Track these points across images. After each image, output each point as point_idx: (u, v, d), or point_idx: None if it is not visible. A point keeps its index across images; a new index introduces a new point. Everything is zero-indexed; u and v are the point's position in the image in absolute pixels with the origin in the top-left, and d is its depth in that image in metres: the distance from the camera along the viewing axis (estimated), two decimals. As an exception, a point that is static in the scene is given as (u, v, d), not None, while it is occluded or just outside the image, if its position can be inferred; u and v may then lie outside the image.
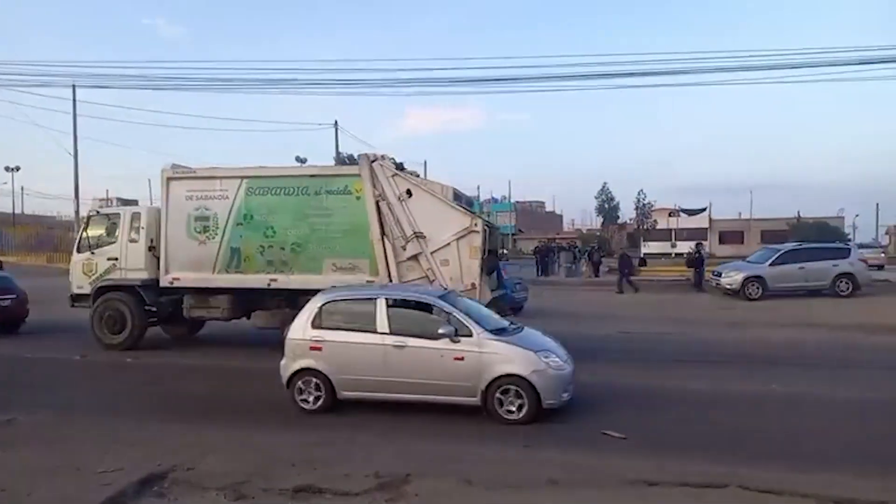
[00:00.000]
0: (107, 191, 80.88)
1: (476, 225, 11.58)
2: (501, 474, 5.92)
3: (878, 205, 66.65)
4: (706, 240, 55.28)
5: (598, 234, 70.59)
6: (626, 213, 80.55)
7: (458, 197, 12.59)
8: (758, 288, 22.24)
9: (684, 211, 66.62)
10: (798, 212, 64.63)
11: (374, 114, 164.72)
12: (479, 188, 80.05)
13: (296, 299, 11.49)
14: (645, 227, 72.23)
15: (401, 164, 12.60)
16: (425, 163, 62.81)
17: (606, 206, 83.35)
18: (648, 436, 7.30)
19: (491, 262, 12.89)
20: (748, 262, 24.58)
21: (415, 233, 11.71)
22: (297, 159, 58.79)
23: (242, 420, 8.01)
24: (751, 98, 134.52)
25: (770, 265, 22.63)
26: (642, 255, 49.77)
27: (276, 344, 12.77)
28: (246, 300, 12.90)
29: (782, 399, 8.94)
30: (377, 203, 11.82)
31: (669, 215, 66.71)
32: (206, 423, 7.86)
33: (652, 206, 74.14)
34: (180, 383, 10.41)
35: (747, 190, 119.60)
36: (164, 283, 12.99)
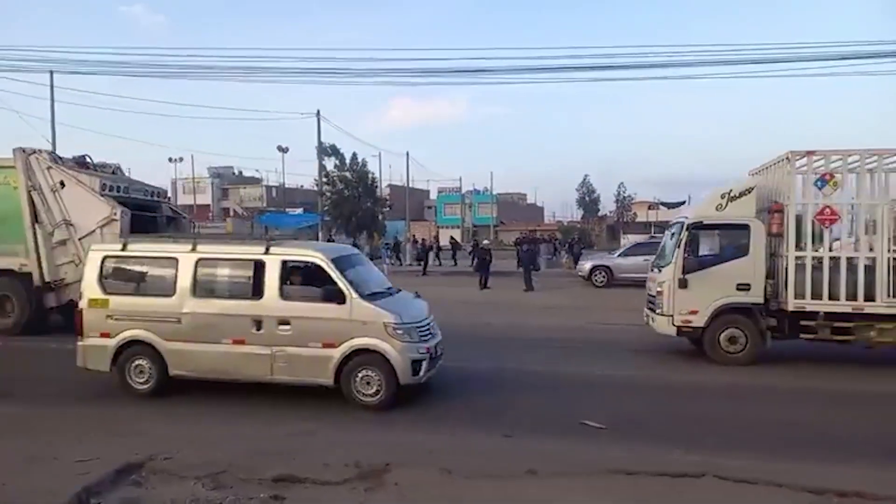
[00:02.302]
0: (84, 178, 79.79)
1: (116, 214, 12.85)
2: (480, 464, 5.95)
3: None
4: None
5: (578, 226, 71.01)
6: (607, 206, 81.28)
7: (113, 188, 13.55)
8: (603, 276, 24.86)
9: (664, 204, 67.16)
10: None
11: (357, 104, 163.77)
12: (461, 180, 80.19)
13: None
14: (625, 219, 72.78)
15: (82, 157, 14.10)
16: (407, 154, 62.97)
17: (587, 198, 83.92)
18: (626, 425, 7.37)
19: None
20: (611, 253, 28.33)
21: (64, 220, 13.04)
22: (279, 149, 58.50)
23: (221, 409, 7.97)
24: (731, 92, 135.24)
25: (619, 256, 25.94)
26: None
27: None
28: None
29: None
30: (30, 193, 13.12)
31: (649, 208, 67.34)
32: (184, 412, 7.82)
33: (632, 198, 74.74)
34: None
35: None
36: None
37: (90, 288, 8.64)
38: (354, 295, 7.98)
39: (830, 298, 10.24)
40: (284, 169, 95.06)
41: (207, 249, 8.55)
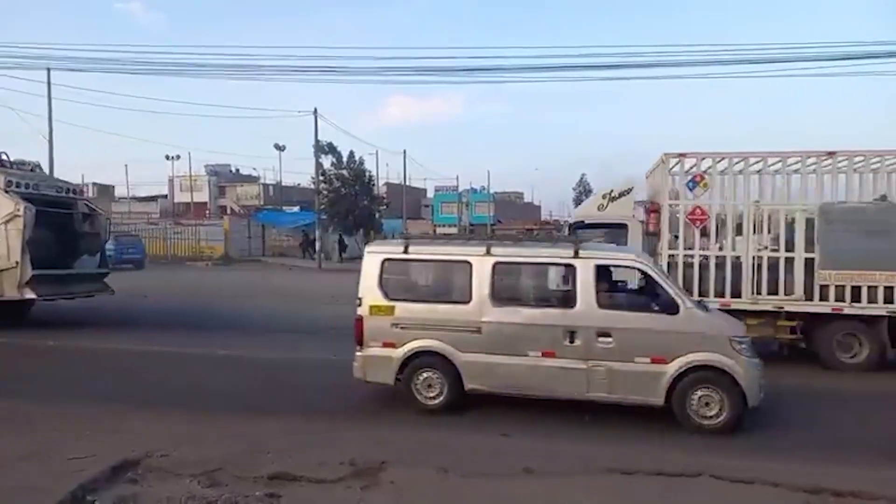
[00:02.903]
0: (82, 176, 79.67)
1: (20, 210, 12.86)
2: (477, 463, 5.94)
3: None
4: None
5: (575, 225, 70.85)
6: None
7: (20, 184, 13.61)
8: None
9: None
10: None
11: (354, 103, 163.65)
12: (458, 178, 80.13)
13: None
14: (621, 218, 72.63)
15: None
16: (405, 152, 62.94)
17: (584, 197, 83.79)
18: (624, 424, 7.38)
19: (94, 243, 15.45)
20: None
21: None
22: (276, 147, 58.42)
23: (217, 407, 7.95)
24: (732, 91, 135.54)
25: None
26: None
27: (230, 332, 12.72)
28: None
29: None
30: None
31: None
32: (180, 410, 7.78)
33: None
34: (151, 371, 10.28)
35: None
36: None
37: (370, 293, 7.95)
38: (688, 304, 7.37)
39: (700, 295, 10.53)
40: (281, 167, 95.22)
41: (504, 252, 7.83)
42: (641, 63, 43.24)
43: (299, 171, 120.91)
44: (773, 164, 11.09)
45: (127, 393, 8.68)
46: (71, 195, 15.45)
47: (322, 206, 40.04)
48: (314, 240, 39.59)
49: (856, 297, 10.19)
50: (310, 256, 40.80)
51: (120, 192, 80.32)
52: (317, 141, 40.28)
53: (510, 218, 79.46)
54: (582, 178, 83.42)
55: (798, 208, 10.70)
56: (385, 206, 50.74)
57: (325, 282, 27.68)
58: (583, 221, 11.64)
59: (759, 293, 10.57)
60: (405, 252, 8.04)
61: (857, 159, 10.71)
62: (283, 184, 69.92)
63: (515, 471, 5.71)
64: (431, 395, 7.81)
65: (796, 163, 10.95)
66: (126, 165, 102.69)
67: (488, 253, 7.73)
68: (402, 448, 6.28)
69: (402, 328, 7.84)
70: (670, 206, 11.05)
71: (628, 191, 11.52)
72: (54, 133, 34.29)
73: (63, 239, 14.94)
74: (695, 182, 11.08)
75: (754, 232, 10.77)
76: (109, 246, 31.53)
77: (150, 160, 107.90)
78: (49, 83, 34.28)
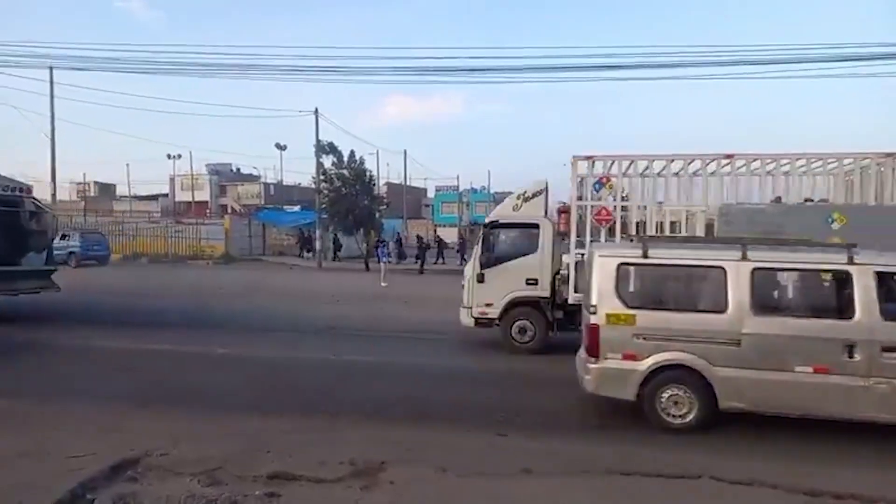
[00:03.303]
0: (84, 174, 79.67)
1: None
2: (475, 462, 5.95)
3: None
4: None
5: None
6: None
7: None
8: None
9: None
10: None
11: (355, 102, 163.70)
12: (458, 178, 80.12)
13: None
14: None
15: None
16: (405, 152, 62.93)
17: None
18: (624, 424, 7.38)
19: (41, 240, 15.83)
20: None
21: None
22: (277, 146, 58.40)
23: (216, 406, 7.95)
24: (730, 92, 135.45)
25: None
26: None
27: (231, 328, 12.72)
28: None
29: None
30: None
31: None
32: (180, 409, 7.78)
33: (627, 197, 74.69)
34: (151, 369, 10.27)
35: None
36: None
37: (606, 300, 7.33)
38: None
39: None
40: (282, 166, 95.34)
41: (763, 257, 7.17)
42: (643, 63, 43.17)
43: (300, 171, 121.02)
44: (676, 167, 11.41)
45: (126, 391, 8.67)
46: (18, 193, 15.60)
47: (322, 206, 39.98)
48: (309, 238, 39.44)
49: None
50: (305, 255, 40.83)
51: (121, 190, 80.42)
52: (318, 140, 40.24)
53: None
54: (582, 180, 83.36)
55: (699, 209, 11.00)
56: (385, 206, 50.70)
57: (325, 281, 27.69)
58: (497, 221, 12.03)
59: None
60: (644, 256, 7.39)
61: (754, 163, 11.07)
62: (284, 183, 69.93)
63: (514, 471, 5.73)
64: (678, 413, 7.17)
65: (698, 165, 11.28)
66: (127, 164, 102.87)
67: (744, 258, 7.10)
68: (401, 448, 6.29)
69: (644, 339, 7.22)
70: (578, 207, 11.38)
71: (541, 191, 11.90)
72: (56, 132, 34.23)
73: (9, 236, 15.08)
74: (601, 184, 11.54)
75: (657, 232, 11.12)
76: (75, 243, 32.03)
77: (151, 159, 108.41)
78: (51, 82, 34.35)
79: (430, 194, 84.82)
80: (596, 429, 7.32)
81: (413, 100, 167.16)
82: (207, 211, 66.48)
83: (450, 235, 55.90)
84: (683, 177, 11.33)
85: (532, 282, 11.55)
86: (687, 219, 11.11)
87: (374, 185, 46.86)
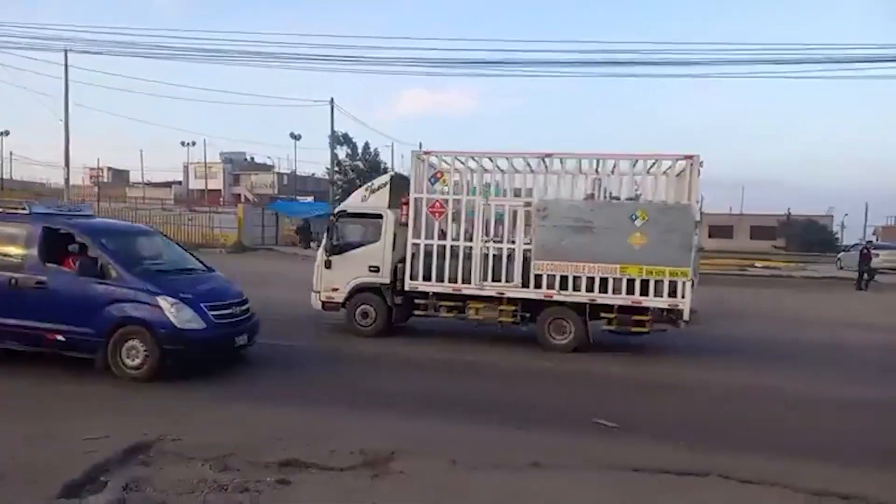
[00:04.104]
0: (97, 159, 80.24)
1: None
2: (486, 455, 5.98)
3: (867, 205, 67.22)
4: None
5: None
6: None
7: None
8: None
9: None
10: (788, 209, 65.08)
11: (371, 93, 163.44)
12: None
13: None
14: (636, 218, 72.29)
15: None
16: (420, 144, 62.73)
17: (597, 194, 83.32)
18: (637, 423, 7.38)
19: None
20: None
21: None
22: (292, 136, 58.53)
23: (230, 393, 8.01)
24: (747, 92, 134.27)
25: None
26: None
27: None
28: None
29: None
30: None
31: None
32: (194, 394, 7.85)
33: (639, 193, 74.25)
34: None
35: (739, 185, 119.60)
36: None
37: None
38: None
39: (437, 280, 11.73)
40: (296, 156, 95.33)
41: None
42: (655, 60, 42.91)
43: (314, 161, 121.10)
44: (501, 164, 12.18)
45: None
46: None
47: (336, 197, 40.09)
48: (308, 228, 39.17)
49: (564, 285, 11.16)
50: (306, 245, 40.74)
51: (135, 177, 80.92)
52: (332, 131, 40.41)
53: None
54: (596, 179, 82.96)
55: (520, 204, 11.65)
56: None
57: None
58: (344, 211, 12.90)
59: (485, 280, 11.57)
60: None
61: (569, 161, 11.90)
62: (298, 173, 70.15)
63: (523, 464, 5.75)
64: None
65: (520, 163, 12.08)
66: (141, 151, 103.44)
67: None
68: (411, 439, 6.32)
69: None
70: (416, 199, 11.99)
71: (385, 184, 12.67)
72: (70, 116, 34.45)
73: None
74: (435, 178, 12.31)
75: (484, 224, 11.77)
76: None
77: (165, 146, 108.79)
78: (66, 65, 34.52)
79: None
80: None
81: (429, 92, 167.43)
82: (221, 199, 66.80)
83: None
84: (508, 173, 12.14)
85: (374, 269, 12.32)
86: (510, 212, 11.85)
87: (388, 176, 46.80)
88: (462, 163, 12.30)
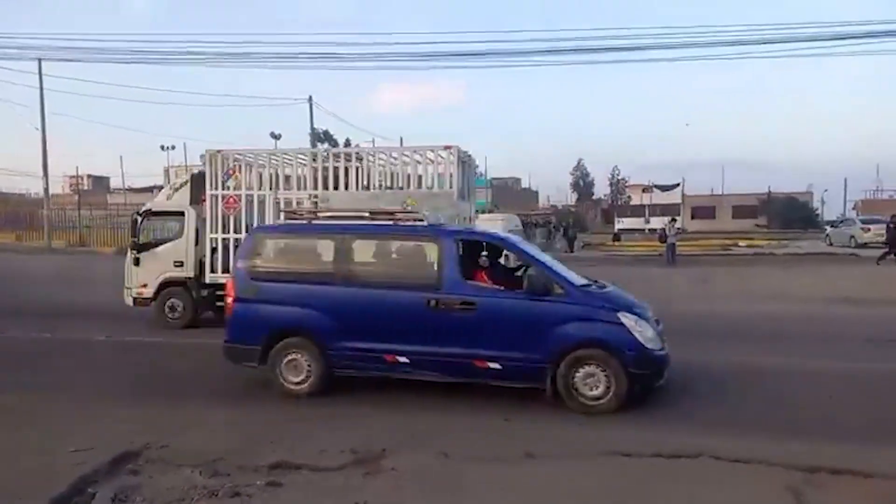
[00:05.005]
0: (77, 167, 79.38)
1: None
2: (478, 448, 5.96)
3: (846, 180, 68.01)
4: (679, 215, 55.63)
5: (572, 209, 71.00)
6: (601, 190, 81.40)
7: None
8: None
9: (658, 187, 67.16)
10: (769, 187, 65.69)
11: (349, 89, 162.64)
12: (454, 164, 79.75)
13: None
14: (619, 202, 72.75)
15: None
16: (401, 140, 62.54)
17: (581, 182, 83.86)
18: (625, 408, 7.39)
19: None
20: None
21: None
22: (272, 135, 58.09)
23: (217, 398, 7.96)
24: (722, 74, 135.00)
25: None
26: (616, 231, 50.34)
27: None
28: None
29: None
30: None
31: (643, 191, 67.26)
32: (181, 401, 7.76)
33: (626, 182, 74.71)
34: (152, 361, 10.28)
35: (719, 166, 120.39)
36: None
37: None
38: None
39: (228, 272, 11.91)
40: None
41: None
42: (641, 46, 42.95)
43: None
44: (287, 159, 13.10)
45: (121, 383, 8.67)
46: None
47: (318, 195, 39.95)
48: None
49: None
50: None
51: (115, 183, 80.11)
52: (312, 129, 40.20)
53: (507, 204, 79.45)
54: (579, 164, 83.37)
55: (305, 196, 12.32)
56: (382, 194, 50.60)
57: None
58: (150, 209, 13.50)
59: None
60: None
61: (350, 155, 13.00)
62: (279, 173, 69.32)
63: (517, 455, 5.74)
64: None
65: (304, 158, 13.02)
66: (121, 157, 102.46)
67: None
68: (402, 434, 6.29)
69: None
70: (212, 196, 12.72)
71: (186, 183, 13.43)
72: (47, 125, 34.03)
73: None
74: (228, 175, 12.91)
75: (275, 217, 12.12)
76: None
77: (145, 151, 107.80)
78: (40, 74, 34.09)
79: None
80: (597, 413, 7.32)
81: (408, 86, 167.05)
82: (202, 201, 66.07)
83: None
84: (293, 167, 13.03)
85: (179, 264, 13.01)
86: (297, 203, 12.27)
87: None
88: (252, 160, 13.12)
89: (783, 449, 5.77)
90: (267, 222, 12.00)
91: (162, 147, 68.58)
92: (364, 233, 8.19)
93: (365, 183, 12.76)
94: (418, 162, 12.51)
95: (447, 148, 12.08)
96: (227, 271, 12.00)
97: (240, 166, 12.97)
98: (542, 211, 67.46)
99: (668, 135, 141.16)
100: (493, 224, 20.56)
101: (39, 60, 33.62)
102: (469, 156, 12.87)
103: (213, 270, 12.69)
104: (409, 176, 12.61)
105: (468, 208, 12.88)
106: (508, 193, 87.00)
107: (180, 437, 6.18)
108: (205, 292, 12.96)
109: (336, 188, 12.46)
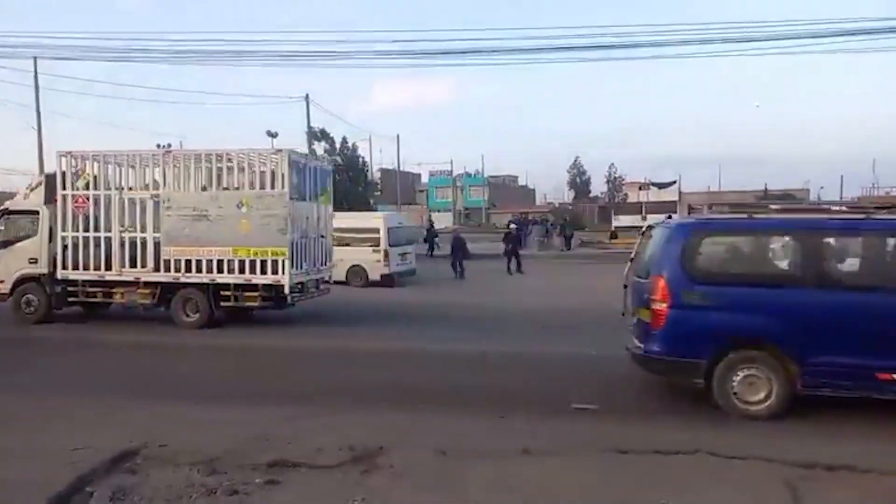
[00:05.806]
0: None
1: None
2: (475, 445, 5.98)
3: (842, 177, 68.16)
4: (676, 212, 55.58)
5: (570, 207, 71.06)
6: (598, 187, 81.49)
7: None
8: None
9: (654, 184, 67.20)
10: (765, 184, 65.80)
11: (346, 87, 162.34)
12: (452, 163, 79.98)
13: None
14: (616, 200, 72.83)
15: None
16: (398, 137, 62.79)
17: (578, 180, 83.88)
18: (618, 404, 7.42)
19: None
20: None
21: None
22: (269, 133, 57.98)
23: (214, 396, 7.96)
24: (718, 71, 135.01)
25: None
26: (613, 229, 50.42)
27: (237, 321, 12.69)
28: None
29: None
30: None
31: (640, 189, 67.32)
32: (178, 400, 7.77)
33: (623, 179, 74.81)
34: (150, 361, 10.29)
35: (716, 163, 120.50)
36: None
37: None
38: None
39: (84, 269, 13.06)
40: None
41: None
42: (637, 43, 42.98)
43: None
44: (132, 160, 13.41)
45: (120, 383, 8.67)
46: None
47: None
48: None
49: (189, 268, 12.59)
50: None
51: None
52: (309, 127, 40.07)
53: (504, 202, 79.53)
54: (576, 161, 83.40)
55: (148, 196, 12.91)
56: (379, 192, 50.62)
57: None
58: (8, 209, 14.00)
59: (124, 266, 12.93)
60: None
61: (189, 156, 13.31)
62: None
63: (513, 452, 5.75)
64: None
65: (148, 158, 13.39)
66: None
67: None
68: (400, 432, 6.32)
69: None
70: (63, 196, 13.13)
71: (40, 183, 13.78)
72: (42, 123, 33.93)
73: None
74: (77, 175, 13.35)
75: (120, 215, 12.97)
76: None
77: (141, 149, 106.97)
78: (36, 72, 33.96)
79: (425, 179, 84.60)
80: (593, 410, 7.35)
81: (406, 84, 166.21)
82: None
83: (443, 220, 55.89)
84: (139, 167, 13.32)
85: (33, 261, 13.50)
86: (140, 201, 12.97)
87: (367, 171, 46.74)
88: (100, 161, 13.45)
89: (778, 446, 5.80)
90: (114, 220, 12.78)
91: (158, 145, 68.50)
92: (839, 229, 7.14)
93: (204, 184, 13.22)
94: (251, 165, 13.11)
95: (278, 151, 13.01)
96: (77, 267, 13.00)
97: (87, 166, 13.40)
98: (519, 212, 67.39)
99: (666, 132, 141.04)
100: (362, 222, 20.66)
101: (35, 59, 33.46)
102: (315, 157, 13.63)
103: (64, 267, 13.13)
104: (244, 178, 13.16)
105: (312, 208, 13.57)
106: (505, 191, 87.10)
107: (178, 436, 6.19)
108: (58, 288, 13.39)
109: (179, 188, 13.04)
